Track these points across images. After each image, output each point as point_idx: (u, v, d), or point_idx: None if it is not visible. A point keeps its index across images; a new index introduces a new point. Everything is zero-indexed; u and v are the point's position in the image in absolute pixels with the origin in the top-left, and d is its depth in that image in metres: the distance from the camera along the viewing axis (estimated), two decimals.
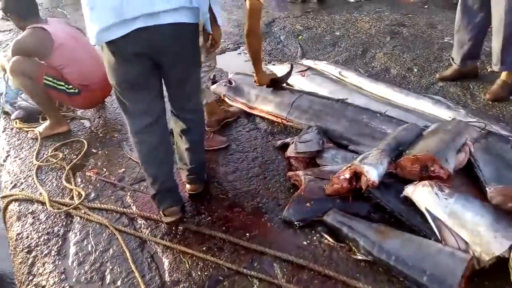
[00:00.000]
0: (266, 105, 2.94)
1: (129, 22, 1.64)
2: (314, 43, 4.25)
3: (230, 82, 3.23)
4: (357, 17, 4.86)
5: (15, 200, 2.35)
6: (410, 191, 1.86)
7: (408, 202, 1.88)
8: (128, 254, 1.88)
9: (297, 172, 2.23)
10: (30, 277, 1.88)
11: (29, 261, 1.95)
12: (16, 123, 3.11)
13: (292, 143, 2.45)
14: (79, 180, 2.45)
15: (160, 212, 2.03)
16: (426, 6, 5.11)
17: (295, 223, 1.97)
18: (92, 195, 2.31)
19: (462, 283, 1.55)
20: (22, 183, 2.50)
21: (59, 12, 5.93)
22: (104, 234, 2.04)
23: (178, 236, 1.98)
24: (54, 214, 2.20)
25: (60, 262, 1.92)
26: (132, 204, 2.21)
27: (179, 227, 2.02)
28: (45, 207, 2.24)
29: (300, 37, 4.40)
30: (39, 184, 2.42)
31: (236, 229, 2.00)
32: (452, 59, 3.27)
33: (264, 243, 1.89)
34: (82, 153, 2.66)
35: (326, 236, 1.90)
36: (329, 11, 5.16)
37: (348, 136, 2.51)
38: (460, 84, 3.19)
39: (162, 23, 1.68)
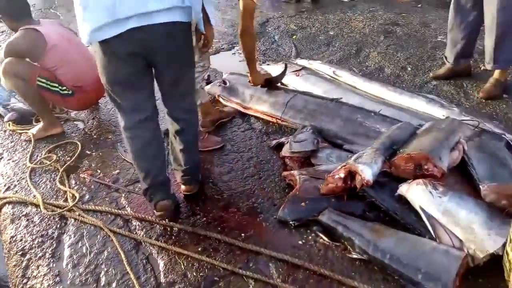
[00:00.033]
0: (260, 105, 2.94)
1: (122, 21, 1.65)
2: (308, 42, 4.25)
3: (224, 82, 3.22)
4: (351, 16, 4.87)
5: (9, 202, 2.33)
6: (404, 189, 1.87)
7: (403, 201, 1.89)
8: (123, 255, 1.88)
9: (292, 171, 2.23)
10: (25, 280, 1.87)
11: (23, 264, 1.94)
12: (9, 125, 3.09)
13: (287, 143, 2.45)
14: (73, 182, 2.44)
15: (152, 206, 2.05)
16: (419, 5, 5.12)
17: (290, 222, 1.97)
18: (87, 197, 2.30)
19: (456, 280, 1.56)
20: (15, 186, 2.48)
21: (52, 13, 5.89)
22: (98, 236, 2.03)
23: (173, 237, 1.97)
24: (48, 217, 2.18)
25: (54, 265, 1.91)
26: (126, 206, 2.20)
27: (174, 228, 2.01)
28: (39, 210, 2.23)
29: (294, 37, 4.41)
30: (32, 187, 2.41)
31: (232, 230, 1.99)
32: (446, 57, 3.28)
33: (260, 243, 1.89)
34: (76, 155, 2.65)
35: (321, 235, 1.91)
36: (323, 10, 5.17)
37: (342, 135, 2.52)
38: (453, 83, 3.20)
39: (155, 22, 1.69)
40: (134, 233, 2.02)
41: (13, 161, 2.72)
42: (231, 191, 2.26)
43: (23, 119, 3.14)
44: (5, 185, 2.50)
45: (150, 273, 1.81)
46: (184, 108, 2.03)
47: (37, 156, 2.73)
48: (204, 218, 2.07)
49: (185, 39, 1.87)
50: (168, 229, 2.02)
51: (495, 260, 1.62)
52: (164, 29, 1.72)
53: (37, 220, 2.18)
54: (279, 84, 3.08)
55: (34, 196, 2.32)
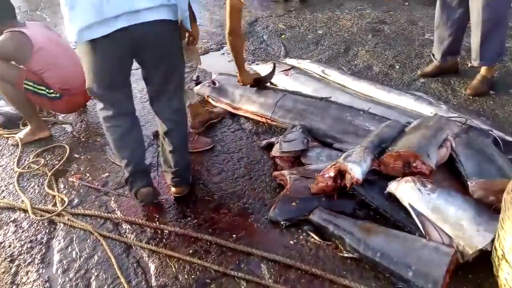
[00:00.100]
0: (250, 105, 2.94)
1: (110, 21, 1.66)
2: (297, 42, 4.26)
3: (213, 83, 3.21)
4: (339, 15, 4.89)
5: None
6: (393, 187, 1.88)
7: (392, 199, 1.90)
8: (113, 260, 1.86)
9: (283, 171, 2.23)
10: (14, 287, 1.84)
11: (12, 270, 1.91)
12: None
13: (277, 142, 2.45)
14: (61, 186, 2.41)
15: (132, 194, 2.10)
16: (406, 3, 5.16)
17: (282, 222, 1.98)
18: (76, 201, 2.28)
19: (446, 277, 1.58)
20: (3, 191, 2.44)
21: (38, 15, 5.81)
22: (88, 241, 2.01)
23: (164, 240, 1.96)
24: (37, 222, 2.16)
25: (44, 271, 1.89)
26: (116, 209, 2.18)
27: (164, 231, 2.00)
28: (27, 215, 2.20)
29: (283, 36, 4.41)
30: (20, 192, 2.38)
31: (223, 231, 1.99)
32: (433, 55, 3.31)
33: (251, 244, 1.89)
34: (64, 159, 2.62)
35: (312, 234, 1.91)
36: (312, 9, 5.18)
37: (332, 134, 2.52)
38: (441, 80, 3.23)
39: (143, 21, 1.71)
40: (124, 236, 2.00)
41: (0, 166, 2.68)
42: (222, 192, 2.25)
43: (10, 123, 3.09)
44: None
45: (141, 276, 1.79)
46: (173, 108, 2.03)
47: (24, 160, 2.69)
48: (195, 220, 2.07)
49: (173, 37, 1.88)
50: (159, 231, 2.01)
51: (484, 255, 1.64)
52: (152, 27, 1.74)
53: (26, 225, 2.15)
54: (268, 84, 3.08)
55: (22, 201, 2.29)
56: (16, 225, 2.16)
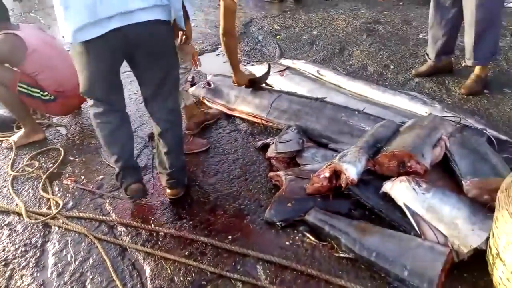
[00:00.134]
0: (245, 106, 2.94)
1: (104, 21, 1.67)
2: (292, 42, 4.26)
3: (209, 84, 3.21)
4: (334, 15, 4.90)
5: None
6: (388, 187, 1.89)
7: (387, 198, 1.91)
8: (108, 262, 1.85)
9: (278, 172, 2.23)
10: None
11: (7, 274, 1.89)
12: None
13: (273, 143, 2.45)
14: (56, 189, 2.40)
15: (122, 190, 2.12)
16: (401, 3, 5.18)
17: (277, 223, 1.97)
18: (70, 203, 2.27)
19: (442, 276, 1.58)
20: None
21: (32, 17, 5.79)
22: (83, 243, 2.00)
23: (159, 242, 1.95)
24: (32, 225, 2.14)
25: (38, 274, 1.87)
26: (111, 212, 2.17)
27: (160, 233, 2.00)
28: (21, 218, 2.18)
29: (278, 37, 4.41)
30: (15, 195, 2.36)
31: (218, 232, 1.99)
32: (427, 55, 3.32)
33: (247, 245, 1.89)
34: (59, 161, 2.61)
35: (308, 235, 1.91)
36: (306, 10, 5.19)
37: (327, 134, 2.53)
38: (435, 80, 3.24)
39: (137, 21, 1.71)
40: (120, 239, 2.00)
41: None
42: (218, 193, 2.25)
43: (3, 126, 3.07)
44: None
45: (137, 279, 1.79)
46: (168, 108, 2.03)
47: (19, 163, 2.67)
48: (191, 222, 2.06)
49: (167, 38, 1.89)
50: (154, 234, 2.00)
51: (479, 254, 1.65)
52: (146, 27, 1.75)
53: (20, 229, 2.14)
54: (263, 85, 3.08)
55: (17, 204, 2.28)
56: (10, 229, 2.15)
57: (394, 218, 1.87)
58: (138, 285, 1.76)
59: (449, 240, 1.68)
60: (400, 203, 1.83)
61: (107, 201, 2.26)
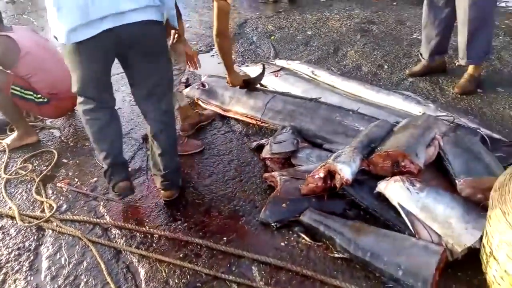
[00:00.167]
0: (240, 107, 2.93)
1: (96, 22, 1.68)
2: (287, 43, 4.27)
3: (203, 85, 3.20)
4: (328, 16, 4.91)
5: None
6: (382, 187, 1.89)
7: (382, 198, 1.91)
8: (102, 265, 1.84)
9: (273, 173, 2.23)
10: None
11: (0, 278, 1.88)
12: None
13: (267, 144, 2.45)
14: (50, 192, 2.38)
15: (110, 187, 2.12)
16: (394, 3, 5.20)
17: (272, 224, 1.97)
18: (64, 206, 2.25)
19: (436, 275, 1.58)
20: None
21: (25, 19, 5.76)
22: (77, 246, 1.98)
23: (154, 244, 1.95)
24: (25, 228, 2.13)
25: (32, 278, 1.86)
26: (105, 214, 2.16)
27: (154, 235, 1.99)
28: (15, 222, 2.17)
29: (272, 38, 4.41)
30: (8, 198, 2.34)
31: (213, 234, 1.98)
32: (421, 54, 3.33)
33: (242, 246, 1.88)
34: (52, 164, 2.59)
35: (303, 235, 1.91)
36: (301, 10, 5.20)
37: (322, 134, 2.53)
38: (429, 79, 3.25)
39: (129, 22, 1.72)
40: (114, 241, 1.98)
41: None
42: (212, 195, 2.24)
43: None
44: None
45: (131, 282, 1.78)
46: (162, 109, 2.03)
47: (12, 166, 2.66)
48: (186, 224, 2.05)
49: (159, 38, 1.89)
50: (149, 236, 1.99)
51: (473, 253, 1.65)
52: (138, 28, 1.75)
53: (13, 232, 2.12)
54: (258, 85, 3.07)
55: (10, 208, 2.26)
56: (3, 233, 2.13)
57: (388, 217, 1.87)
58: None
59: (443, 239, 1.68)
60: (395, 202, 1.83)
61: (101, 203, 2.24)
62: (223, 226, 2.03)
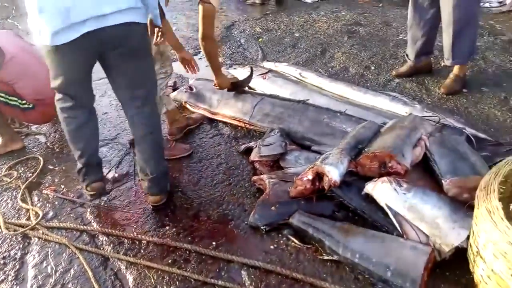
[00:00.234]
0: (228, 110, 2.92)
1: (77, 25, 1.68)
2: (274, 45, 4.27)
3: (191, 88, 3.18)
4: (315, 17, 4.92)
5: None
6: (370, 188, 1.90)
7: (370, 199, 1.92)
8: (90, 273, 1.82)
9: (261, 176, 2.22)
10: None
11: None
12: None
13: (256, 147, 2.44)
14: (36, 199, 2.34)
15: (83, 187, 2.16)
16: (380, 5, 5.24)
17: (262, 227, 1.97)
18: (50, 214, 2.21)
19: (424, 275, 1.60)
20: None
21: (10, 23, 5.68)
22: (64, 254, 1.95)
23: (142, 251, 1.93)
24: (10, 237, 2.09)
25: (18, 287, 1.82)
26: (92, 221, 2.13)
27: (142, 241, 1.97)
28: (0, 230, 2.13)
29: (260, 40, 4.41)
30: None
31: (202, 238, 1.97)
32: (407, 55, 3.36)
33: (231, 251, 1.88)
34: (38, 171, 2.55)
35: (292, 238, 1.91)
36: (288, 12, 5.20)
37: (310, 136, 2.53)
38: (415, 80, 3.28)
39: (111, 24, 1.72)
40: (101, 248, 1.96)
41: None
42: (201, 199, 2.23)
43: None
44: None
45: None
46: (145, 113, 2.02)
47: None
48: (174, 229, 2.04)
49: (141, 40, 1.89)
50: (137, 242, 1.97)
51: (461, 252, 1.66)
52: (120, 30, 1.75)
53: None
54: (246, 88, 3.07)
55: None
56: None
57: (376, 218, 1.88)
58: None
59: (430, 239, 1.69)
60: (382, 203, 1.84)
61: (88, 210, 2.21)
62: (212, 231, 2.01)
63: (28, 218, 2.20)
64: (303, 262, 1.80)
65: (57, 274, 1.86)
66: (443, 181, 1.88)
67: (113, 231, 2.03)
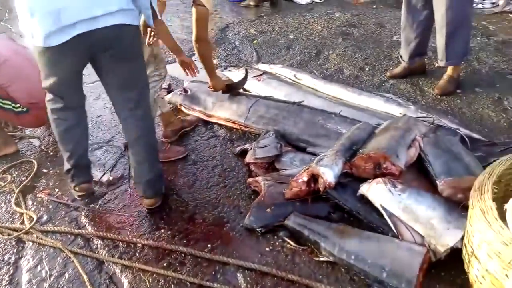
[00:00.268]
0: (223, 112, 2.92)
1: (68, 28, 1.69)
2: (269, 47, 4.27)
3: (185, 91, 3.18)
4: (310, 19, 4.93)
5: None
6: (365, 189, 1.90)
7: (365, 200, 1.92)
8: (85, 277, 1.81)
9: (257, 178, 2.22)
10: None
11: None
12: None
13: (251, 149, 2.44)
14: (30, 202, 2.33)
15: (72, 187, 2.19)
16: (374, 6, 5.25)
17: (257, 229, 1.96)
18: (45, 217, 2.20)
19: (420, 276, 1.60)
20: None
21: (2, 26, 5.65)
22: (58, 258, 1.94)
23: (137, 254, 1.92)
24: (4, 241, 2.07)
25: None
26: (87, 224, 2.12)
27: (138, 244, 1.96)
28: None
29: (255, 42, 4.42)
30: None
31: (198, 241, 1.97)
32: (401, 56, 3.37)
33: (227, 253, 1.87)
34: (32, 174, 2.53)
35: (288, 240, 1.91)
36: (282, 14, 5.21)
37: (305, 138, 2.53)
38: (410, 81, 3.29)
39: (101, 26, 1.73)
40: (96, 252, 1.95)
41: None
42: (196, 201, 2.22)
43: None
44: None
45: None
46: (139, 115, 2.02)
47: None
48: (169, 232, 2.03)
49: (132, 41, 1.89)
50: (132, 245, 1.96)
51: (456, 253, 1.67)
52: (111, 32, 1.76)
53: None
54: (241, 90, 3.07)
55: None
56: None
57: (371, 219, 1.89)
58: None
59: (425, 240, 1.70)
60: (377, 204, 1.85)
61: (83, 213, 2.20)
62: (208, 233, 2.01)
63: (22, 222, 2.18)
64: (299, 263, 1.80)
65: (52, 278, 1.84)
66: (437, 181, 1.89)
67: (108, 235, 2.01)
